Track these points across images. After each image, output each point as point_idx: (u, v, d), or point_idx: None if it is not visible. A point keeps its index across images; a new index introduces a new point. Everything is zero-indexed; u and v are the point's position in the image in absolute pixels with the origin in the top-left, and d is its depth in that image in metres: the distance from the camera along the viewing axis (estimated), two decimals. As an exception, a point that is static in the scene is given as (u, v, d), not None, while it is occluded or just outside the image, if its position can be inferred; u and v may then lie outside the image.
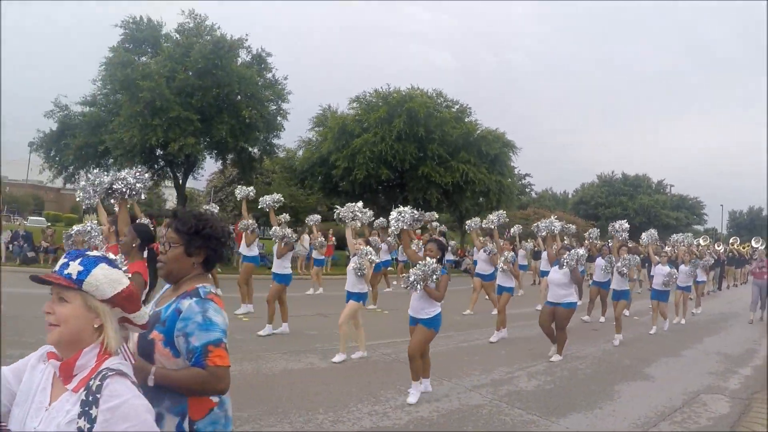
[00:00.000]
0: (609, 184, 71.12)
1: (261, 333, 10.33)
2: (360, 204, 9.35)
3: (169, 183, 31.20)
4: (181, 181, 28.39)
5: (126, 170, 5.88)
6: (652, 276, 14.35)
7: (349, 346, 9.07)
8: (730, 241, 35.68)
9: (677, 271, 13.81)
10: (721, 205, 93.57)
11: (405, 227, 7.45)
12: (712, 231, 71.89)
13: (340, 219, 9.35)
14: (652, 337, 12.95)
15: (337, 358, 8.77)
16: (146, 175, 5.91)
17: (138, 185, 5.73)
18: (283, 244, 10.97)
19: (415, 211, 7.53)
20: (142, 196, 5.91)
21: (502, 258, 11.73)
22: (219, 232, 2.82)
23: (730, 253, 29.85)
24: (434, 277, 6.80)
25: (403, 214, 7.35)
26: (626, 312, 15.39)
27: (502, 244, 12.49)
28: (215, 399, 2.66)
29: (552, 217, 12.41)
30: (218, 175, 40.37)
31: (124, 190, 5.65)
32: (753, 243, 33.08)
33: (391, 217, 7.58)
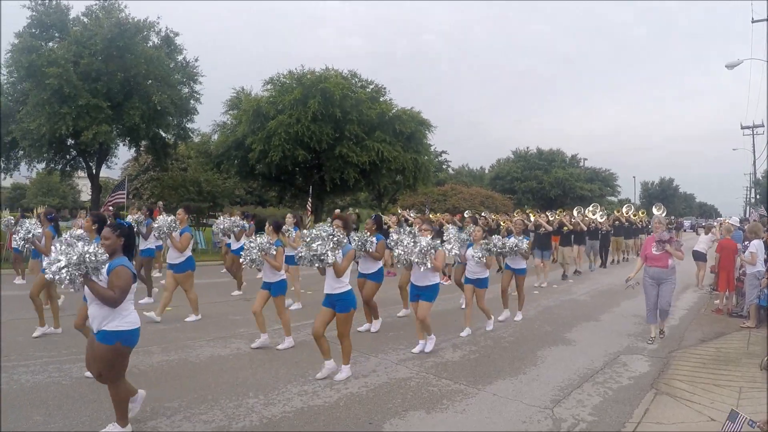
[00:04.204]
0: (524, 159, 72.43)
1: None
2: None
3: (82, 173, 30.08)
4: (94, 171, 27.49)
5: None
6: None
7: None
8: (623, 208, 29.47)
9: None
10: (634, 177, 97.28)
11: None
12: (626, 201, 74.47)
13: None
14: (571, 303, 13.37)
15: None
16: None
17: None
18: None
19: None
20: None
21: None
22: None
23: (616, 222, 24.45)
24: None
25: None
26: (544, 283, 15.97)
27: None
28: None
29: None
30: (132, 163, 39.23)
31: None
32: (654, 210, 27.25)
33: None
